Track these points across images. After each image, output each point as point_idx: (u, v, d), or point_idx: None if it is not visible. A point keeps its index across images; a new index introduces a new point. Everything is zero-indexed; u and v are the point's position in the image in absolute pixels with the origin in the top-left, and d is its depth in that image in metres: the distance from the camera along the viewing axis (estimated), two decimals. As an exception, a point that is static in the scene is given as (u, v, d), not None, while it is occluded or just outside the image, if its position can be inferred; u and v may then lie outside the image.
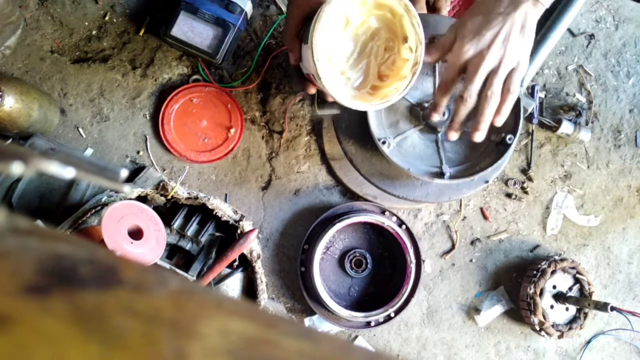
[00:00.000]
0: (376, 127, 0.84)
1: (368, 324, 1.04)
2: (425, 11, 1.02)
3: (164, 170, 1.05)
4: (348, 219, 1.01)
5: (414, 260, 1.02)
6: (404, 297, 1.02)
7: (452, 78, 0.74)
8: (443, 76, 0.75)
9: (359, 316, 1.01)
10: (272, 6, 1.09)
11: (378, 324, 1.04)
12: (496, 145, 0.86)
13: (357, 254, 1.05)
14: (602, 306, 0.95)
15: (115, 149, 1.05)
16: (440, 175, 0.84)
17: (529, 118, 1.08)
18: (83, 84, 1.05)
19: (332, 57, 0.70)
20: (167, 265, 0.97)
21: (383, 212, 1.05)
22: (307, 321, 1.06)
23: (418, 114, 0.87)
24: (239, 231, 0.97)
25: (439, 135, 0.87)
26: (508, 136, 0.83)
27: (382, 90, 0.72)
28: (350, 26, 0.70)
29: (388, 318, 1.03)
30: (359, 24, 0.70)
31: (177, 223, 0.98)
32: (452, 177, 0.84)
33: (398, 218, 1.05)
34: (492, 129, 0.80)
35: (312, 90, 0.82)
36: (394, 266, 1.07)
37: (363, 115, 0.85)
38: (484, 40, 0.70)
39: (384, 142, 0.83)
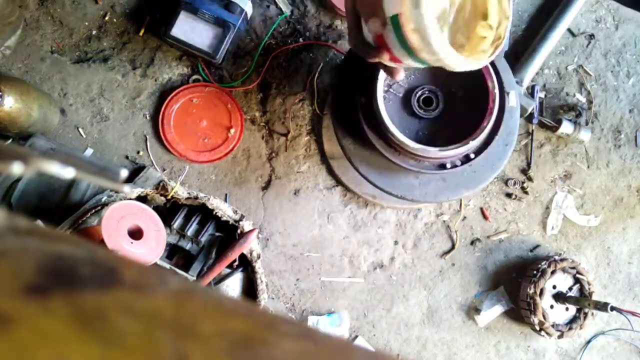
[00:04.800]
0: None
1: (442, 166, 0.84)
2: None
3: (164, 170, 1.05)
4: None
5: (497, 87, 0.82)
6: (486, 131, 0.81)
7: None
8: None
9: (432, 151, 0.81)
10: (272, 6, 1.09)
11: (454, 166, 0.84)
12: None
13: (427, 91, 0.87)
14: (602, 306, 0.95)
15: (115, 149, 1.05)
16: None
17: (529, 118, 1.08)
18: (83, 84, 1.05)
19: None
20: (167, 265, 0.97)
21: None
22: (311, 320, 1.06)
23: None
24: (239, 231, 0.97)
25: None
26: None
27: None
28: None
29: (466, 159, 0.83)
30: None
31: (177, 223, 0.98)
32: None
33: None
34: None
35: (386, 57, 0.67)
36: (470, 106, 0.87)
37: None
38: None
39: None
